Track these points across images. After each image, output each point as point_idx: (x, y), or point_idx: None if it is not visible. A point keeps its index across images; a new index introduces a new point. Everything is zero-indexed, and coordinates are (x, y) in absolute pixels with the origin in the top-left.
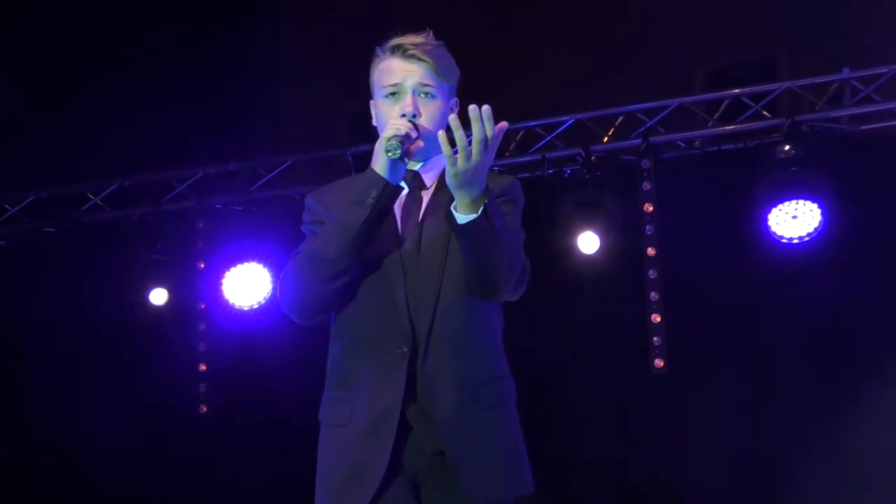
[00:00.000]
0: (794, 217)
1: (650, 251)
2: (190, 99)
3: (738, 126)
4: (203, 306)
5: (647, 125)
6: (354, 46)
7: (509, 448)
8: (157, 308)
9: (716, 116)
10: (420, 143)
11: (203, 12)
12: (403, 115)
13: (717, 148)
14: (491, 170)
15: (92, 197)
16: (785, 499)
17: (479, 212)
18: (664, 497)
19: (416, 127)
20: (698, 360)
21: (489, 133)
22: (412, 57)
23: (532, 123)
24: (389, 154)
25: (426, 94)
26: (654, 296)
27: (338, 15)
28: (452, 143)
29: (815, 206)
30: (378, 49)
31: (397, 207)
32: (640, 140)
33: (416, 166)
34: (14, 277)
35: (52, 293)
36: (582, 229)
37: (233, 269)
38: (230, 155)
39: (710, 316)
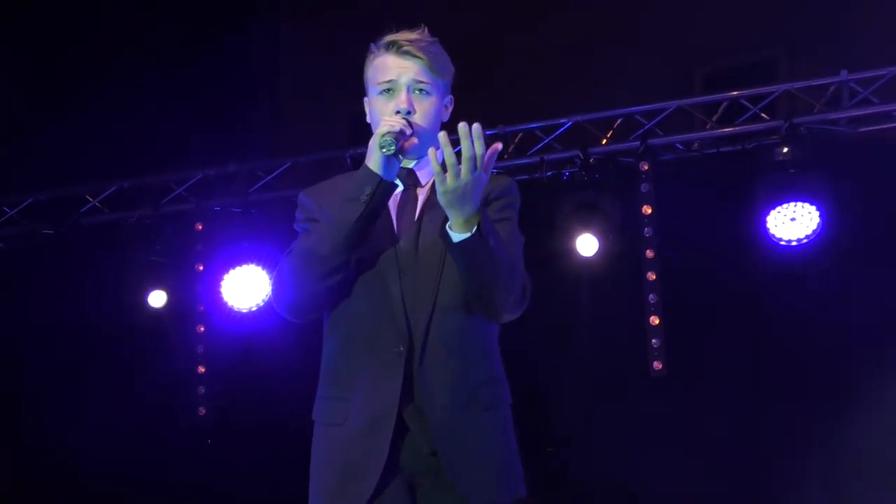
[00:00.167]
0: (793, 219)
1: (649, 253)
2: (189, 101)
3: (737, 128)
4: (202, 308)
5: (646, 127)
6: (354, 48)
7: (503, 451)
8: (156, 310)
9: (714, 118)
10: (414, 140)
11: (202, 13)
12: (398, 112)
13: (715, 150)
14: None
15: (91, 199)
16: (784, 500)
17: (473, 231)
18: (663, 499)
19: (410, 124)
20: (697, 363)
21: (478, 151)
22: (407, 53)
23: (530, 125)
24: (384, 150)
25: (421, 90)
26: (652, 298)
27: (337, 16)
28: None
29: (814, 208)
30: (372, 45)
31: (392, 205)
32: (639, 142)
33: (411, 164)
34: (13, 279)
35: (50, 295)
36: (580, 231)
37: (231, 272)
38: (229, 157)
39: (709, 318)
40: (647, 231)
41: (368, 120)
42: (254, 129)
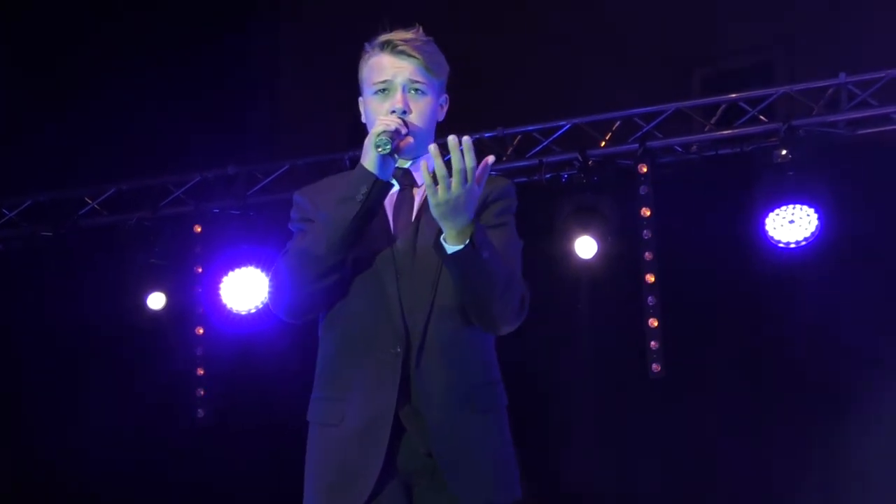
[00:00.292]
0: (791, 221)
1: (647, 255)
2: (187, 103)
3: (735, 130)
4: (201, 310)
5: (645, 129)
6: (354, 50)
7: (499, 453)
8: (155, 312)
9: (713, 121)
10: (410, 140)
11: (202, 14)
12: (393, 112)
13: (714, 152)
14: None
15: (89, 201)
16: (783, 501)
17: (466, 243)
18: (662, 501)
19: (405, 123)
20: (695, 365)
21: (469, 164)
22: (402, 53)
23: (529, 128)
24: (379, 149)
25: (416, 90)
26: (651, 300)
27: (337, 18)
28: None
29: (812, 210)
30: (367, 45)
31: (388, 205)
32: (638, 144)
33: (406, 164)
34: (12, 281)
35: (49, 297)
36: (579, 234)
37: (230, 274)
38: (228, 159)
39: (708, 320)
40: (646, 233)
41: (364, 120)
42: (252, 133)
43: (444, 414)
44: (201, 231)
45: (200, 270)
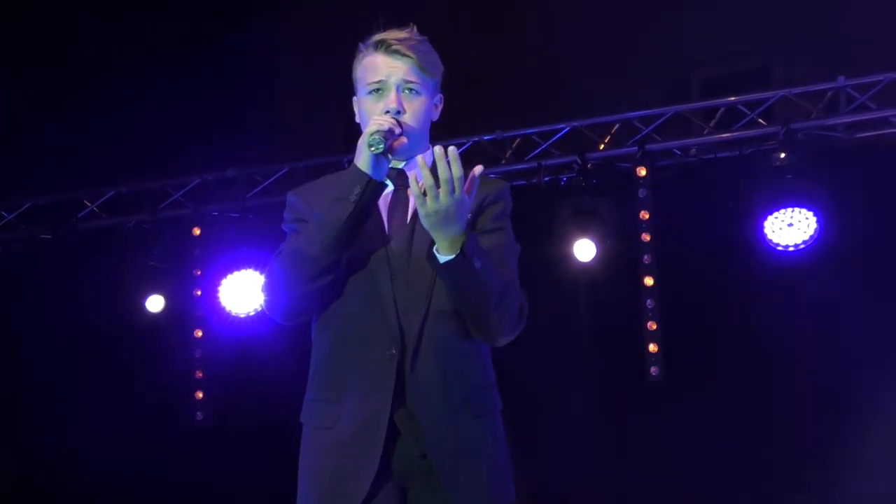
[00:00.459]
0: (790, 225)
1: (646, 258)
2: (186, 106)
3: (734, 134)
4: (200, 313)
5: (643, 133)
6: (353, 52)
7: (494, 456)
8: (154, 315)
9: (711, 124)
10: (404, 140)
11: (201, 15)
12: (387, 112)
13: (712, 155)
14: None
15: (88, 204)
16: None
17: (457, 253)
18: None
19: (399, 123)
20: (694, 368)
21: (456, 174)
22: (396, 53)
23: (528, 131)
24: (372, 149)
25: (410, 90)
26: (649, 303)
27: (336, 20)
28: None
29: (811, 213)
30: (361, 44)
31: (383, 206)
32: (637, 147)
33: (400, 164)
34: (11, 284)
35: (49, 299)
36: (578, 237)
37: (229, 276)
38: (227, 162)
39: (706, 323)
40: (645, 236)
41: (357, 120)
42: (252, 134)
43: (439, 417)
44: (200, 234)
45: (199, 273)
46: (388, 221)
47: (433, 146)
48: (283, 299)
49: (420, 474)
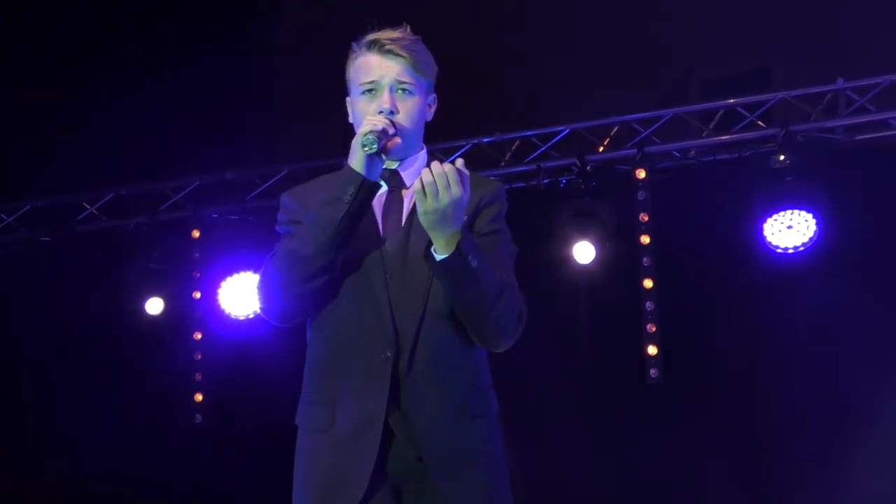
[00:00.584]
0: (789, 227)
1: (645, 261)
2: (185, 108)
3: (733, 136)
4: (199, 316)
5: (643, 135)
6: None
7: (491, 458)
8: (153, 317)
9: (711, 126)
10: (397, 140)
11: (201, 16)
12: (381, 112)
13: (711, 158)
14: (478, 176)
15: (88, 206)
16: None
17: (454, 251)
18: None
19: (393, 124)
20: (693, 371)
21: (452, 176)
22: (389, 52)
23: (527, 133)
24: (366, 149)
25: (404, 90)
26: (649, 305)
27: (335, 22)
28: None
29: (810, 216)
30: (354, 45)
31: (377, 207)
32: (636, 150)
33: (394, 165)
34: (10, 286)
35: (47, 302)
36: (577, 239)
37: (229, 279)
38: (226, 164)
39: (706, 325)
40: (644, 238)
41: (351, 120)
42: (250, 138)
43: (435, 419)
44: (200, 236)
45: (199, 275)
46: (383, 222)
47: (427, 147)
48: (277, 301)
49: (415, 476)
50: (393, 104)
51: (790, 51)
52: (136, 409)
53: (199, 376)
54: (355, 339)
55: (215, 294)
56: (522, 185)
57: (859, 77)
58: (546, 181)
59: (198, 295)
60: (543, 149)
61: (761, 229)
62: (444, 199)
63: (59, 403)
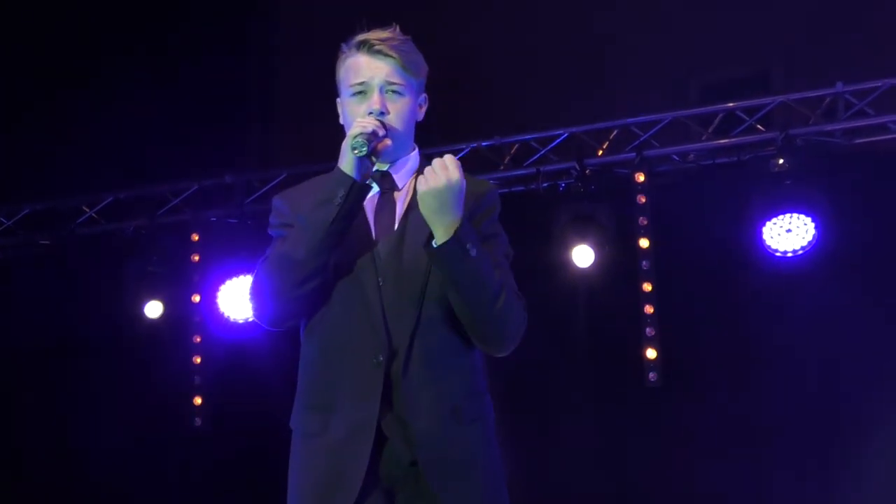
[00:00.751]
0: (788, 230)
1: (644, 264)
2: (184, 111)
3: (732, 139)
4: (198, 319)
5: (642, 139)
6: None
7: (487, 462)
8: (153, 321)
9: (710, 130)
10: (388, 142)
11: (200, 18)
12: (370, 113)
13: (711, 161)
14: (470, 178)
15: (87, 210)
16: None
17: (451, 236)
18: None
19: (383, 125)
20: (692, 374)
21: (447, 158)
22: (379, 53)
23: (526, 137)
24: (355, 152)
25: (394, 91)
26: (648, 309)
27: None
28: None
29: (809, 219)
30: (344, 45)
31: (369, 209)
32: (635, 153)
33: (385, 166)
34: (9, 289)
35: (47, 305)
36: (576, 242)
37: (228, 282)
38: (225, 168)
39: (705, 329)
40: (643, 242)
41: (342, 121)
42: (249, 141)
43: (431, 423)
44: (198, 239)
45: (198, 279)
46: (375, 224)
47: (425, 150)
48: (269, 305)
49: (409, 481)
50: (383, 105)
51: (789, 54)
52: (135, 412)
53: (198, 379)
54: (347, 343)
55: (214, 297)
56: (521, 188)
57: (858, 81)
58: (545, 185)
59: (197, 298)
60: (542, 152)
61: (760, 233)
62: (442, 178)
63: (59, 406)
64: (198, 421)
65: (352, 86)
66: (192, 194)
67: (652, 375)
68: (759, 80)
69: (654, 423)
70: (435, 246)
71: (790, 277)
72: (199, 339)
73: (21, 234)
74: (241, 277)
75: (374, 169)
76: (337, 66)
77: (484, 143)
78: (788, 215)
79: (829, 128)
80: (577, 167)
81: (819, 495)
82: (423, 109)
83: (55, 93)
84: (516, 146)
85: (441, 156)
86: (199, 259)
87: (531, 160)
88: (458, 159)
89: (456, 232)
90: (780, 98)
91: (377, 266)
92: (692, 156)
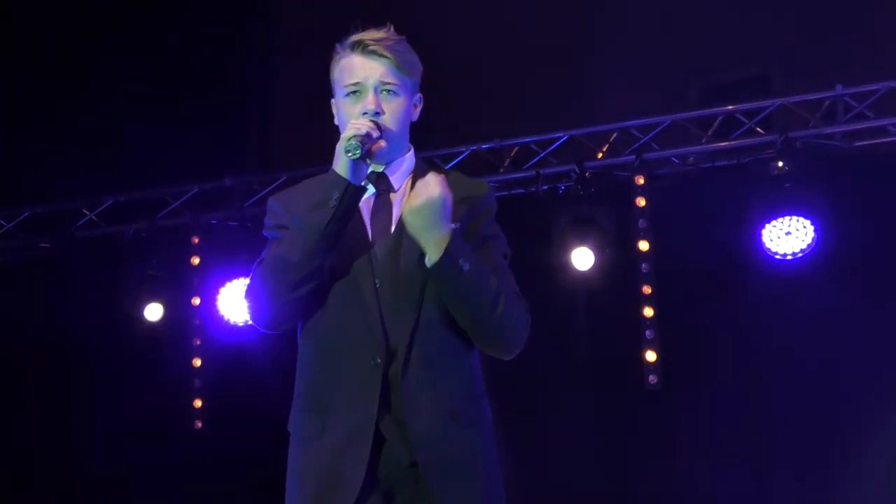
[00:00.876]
0: (788, 233)
1: (644, 267)
2: (184, 114)
3: (732, 142)
4: (198, 321)
5: (641, 141)
6: None
7: (486, 467)
8: (153, 323)
9: (709, 133)
10: (382, 144)
11: (200, 20)
12: (365, 113)
13: (710, 164)
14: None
15: (87, 212)
16: None
17: (442, 254)
18: None
19: (378, 126)
20: (692, 376)
21: (429, 176)
22: (373, 53)
23: (526, 140)
24: (349, 154)
25: (388, 91)
26: (648, 311)
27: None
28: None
29: (809, 222)
30: (338, 46)
31: (365, 211)
32: (634, 156)
33: (381, 168)
34: (9, 293)
35: (47, 308)
36: (576, 245)
37: (228, 285)
38: (225, 170)
39: (704, 332)
40: (643, 245)
41: (336, 122)
42: (248, 144)
43: (430, 425)
44: (199, 242)
45: (198, 282)
46: (372, 226)
47: (425, 153)
48: (265, 308)
49: (408, 482)
50: (378, 105)
51: (789, 57)
52: (135, 414)
53: (198, 382)
54: (344, 345)
55: (214, 300)
56: (521, 191)
57: (858, 84)
58: (545, 187)
59: (197, 301)
60: (542, 155)
61: (760, 235)
62: (422, 196)
63: (59, 409)
64: (198, 423)
65: (346, 86)
66: (192, 197)
67: (652, 378)
68: (758, 83)
69: (653, 426)
70: (428, 265)
71: (790, 280)
72: (199, 342)
73: (21, 237)
74: (241, 280)
75: (370, 170)
76: (331, 66)
77: (484, 146)
78: (788, 218)
79: (828, 130)
80: (577, 170)
81: (819, 496)
82: (418, 109)
83: (55, 95)
84: (516, 149)
85: (441, 158)
86: (199, 262)
87: (531, 163)
88: (458, 162)
89: (447, 249)
90: (779, 101)
91: (374, 268)
92: (692, 158)
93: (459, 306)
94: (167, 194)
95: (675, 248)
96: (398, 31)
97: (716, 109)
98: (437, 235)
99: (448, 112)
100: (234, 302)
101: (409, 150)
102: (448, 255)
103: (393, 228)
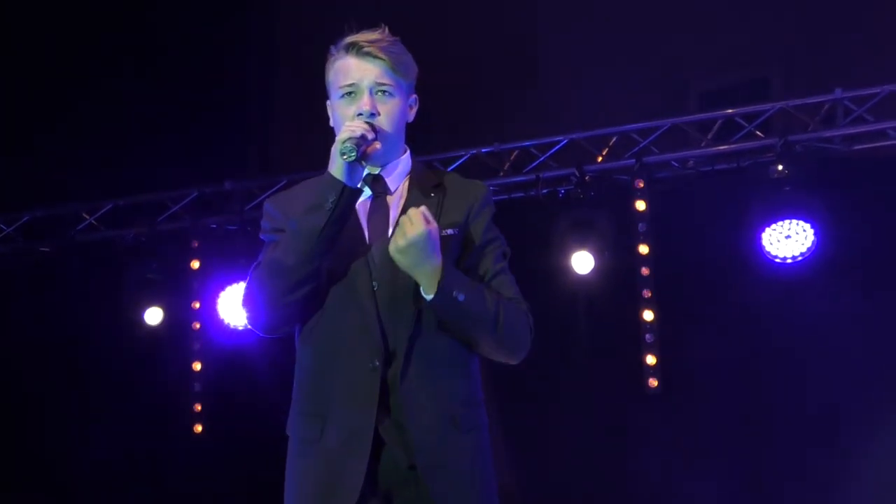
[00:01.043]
0: (788, 237)
1: (644, 271)
2: (184, 118)
3: (732, 146)
4: (198, 326)
5: (641, 145)
6: None
7: (482, 472)
8: (152, 327)
9: (709, 136)
10: (377, 146)
11: (200, 21)
12: (360, 115)
13: (710, 168)
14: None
15: (86, 216)
16: None
17: (436, 291)
18: None
19: (373, 128)
20: (692, 380)
21: (415, 212)
22: (368, 55)
23: (526, 143)
24: (344, 157)
25: (383, 92)
26: (648, 315)
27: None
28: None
29: (808, 225)
30: (332, 48)
31: (362, 213)
32: (634, 160)
33: (377, 170)
34: (9, 296)
35: (47, 312)
36: (576, 249)
37: (228, 289)
38: (224, 174)
39: (704, 335)
40: (643, 248)
41: (332, 124)
42: (248, 148)
43: (429, 428)
44: (198, 246)
45: (197, 286)
46: (369, 229)
47: (426, 157)
48: (262, 312)
49: (408, 485)
50: (373, 106)
51: (788, 61)
52: (135, 418)
53: (197, 386)
54: (342, 348)
55: (214, 304)
56: (521, 194)
57: (857, 87)
58: (545, 191)
59: (197, 305)
60: (542, 159)
61: (760, 239)
62: (408, 235)
63: (59, 413)
64: (197, 427)
65: (341, 87)
66: (192, 201)
67: (652, 381)
68: (758, 87)
69: (653, 429)
70: (427, 301)
71: (789, 283)
72: (198, 346)
73: (21, 241)
74: (241, 284)
75: (366, 173)
76: (326, 68)
77: (484, 150)
78: (787, 221)
79: (828, 134)
80: (577, 173)
81: (819, 496)
82: (414, 111)
83: (55, 98)
84: (516, 152)
85: (441, 162)
86: (199, 266)
87: (531, 166)
88: (458, 165)
89: (439, 284)
90: (779, 104)
91: (371, 270)
92: (691, 162)
93: (460, 331)
94: (167, 198)
95: (674, 251)
96: (399, 33)
97: (715, 113)
98: (428, 270)
99: (447, 115)
100: (233, 306)
101: (406, 151)
102: (441, 291)
103: (390, 231)
